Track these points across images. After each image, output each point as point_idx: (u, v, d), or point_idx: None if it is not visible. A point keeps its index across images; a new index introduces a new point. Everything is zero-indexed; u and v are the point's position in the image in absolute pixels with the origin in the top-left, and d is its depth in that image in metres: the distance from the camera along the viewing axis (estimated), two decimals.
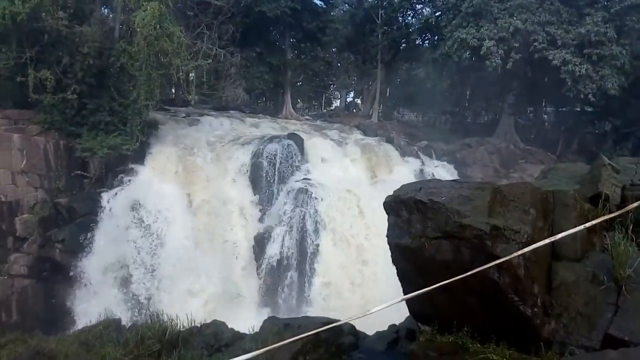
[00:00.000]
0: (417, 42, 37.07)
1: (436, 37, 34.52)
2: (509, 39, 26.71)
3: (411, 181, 6.79)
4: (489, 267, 4.76)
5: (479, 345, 5.30)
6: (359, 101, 49.63)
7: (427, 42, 37.44)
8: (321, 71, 39.96)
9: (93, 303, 18.77)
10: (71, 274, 19.40)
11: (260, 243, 20.73)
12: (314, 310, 18.43)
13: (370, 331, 8.39)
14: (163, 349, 7.55)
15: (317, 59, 36.76)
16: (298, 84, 41.26)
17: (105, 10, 23.38)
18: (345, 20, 38.84)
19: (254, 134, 25.37)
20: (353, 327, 7.64)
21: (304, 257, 20.49)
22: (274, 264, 20.49)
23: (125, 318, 16.07)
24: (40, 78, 18.74)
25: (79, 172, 20.50)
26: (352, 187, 21.94)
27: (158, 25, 19.04)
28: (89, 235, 19.41)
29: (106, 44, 20.23)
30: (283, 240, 20.65)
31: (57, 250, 19.81)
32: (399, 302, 4.62)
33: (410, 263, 5.75)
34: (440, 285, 4.48)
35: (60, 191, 20.36)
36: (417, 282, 5.52)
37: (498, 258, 4.82)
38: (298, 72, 37.02)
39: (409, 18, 38.05)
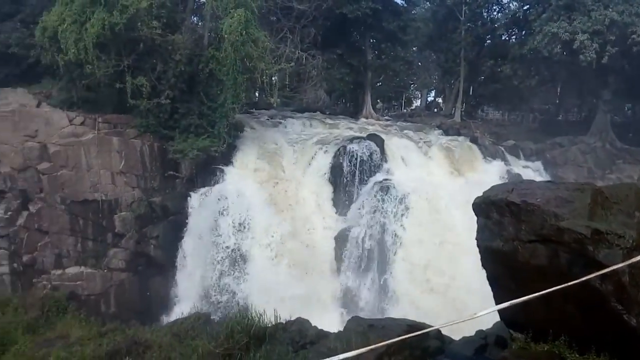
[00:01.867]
0: (503, 38, 35.70)
1: (524, 32, 33.05)
2: (604, 32, 25.06)
3: (496, 182, 6.58)
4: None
5: (577, 356, 5.03)
6: (440, 100, 48.51)
7: (514, 37, 35.96)
8: (401, 71, 39.44)
9: (184, 297, 19.82)
10: (164, 268, 20.59)
11: (340, 243, 20.86)
12: (394, 312, 18.29)
13: (455, 335, 8.20)
14: (251, 343, 7.82)
15: (398, 59, 36.32)
16: (378, 84, 41.04)
17: (195, 18, 24.55)
18: (427, 19, 38.12)
19: (334, 135, 25.57)
20: (439, 331, 7.50)
21: (384, 258, 20.38)
22: (354, 264, 20.56)
23: (213, 312, 16.81)
24: (137, 84, 19.99)
25: (171, 172, 21.68)
26: (434, 188, 21.53)
27: (244, 31, 19.72)
28: (180, 232, 20.49)
29: (196, 50, 21.24)
30: (363, 240, 20.66)
31: (151, 246, 21.11)
32: (492, 311, 4.47)
33: (502, 267, 5.56)
34: (540, 294, 4.27)
35: (155, 190, 21.64)
36: (508, 286, 5.33)
37: (600, 264, 4.55)
38: (378, 72, 36.80)
39: (495, 13, 36.72)
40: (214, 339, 8.23)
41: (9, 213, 19.83)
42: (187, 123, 21.43)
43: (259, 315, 8.86)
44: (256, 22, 21.08)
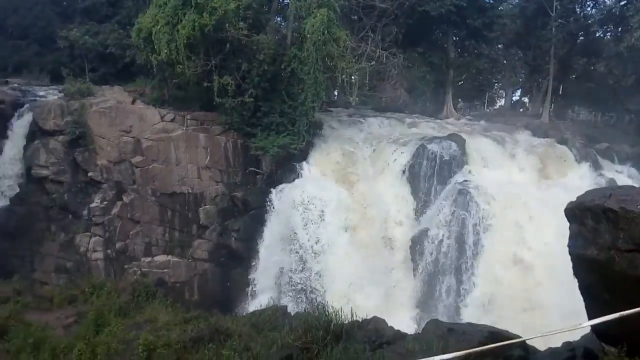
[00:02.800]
0: (597, 35, 33.55)
1: (620, 28, 30.90)
2: None
3: (588, 187, 6.22)
4: None
5: None
6: (526, 100, 46.41)
7: (609, 34, 33.70)
8: (485, 69, 38.13)
9: (262, 289, 20.39)
10: (244, 260, 21.31)
11: (417, 244, 20.58)
12: (470, 317, 17.77)
13: (539, 345, 7.87)
14: (329, 339, 7.93)
15: (482, 57, 35.17)
16: (460, 83, 39.95)
17: (279, 19, 25.13)
18: (514, 15, 36.56)
19: (413, 134, 25.21)
20: (523, 340, 7.22)
21: (462, 261, 19.86)
22: (431, 266, 20.20)
23: (290, 306, 17.15)
24: (223, 83, 20.81)
25: (252, 168, 22.38)
26: (519, 191, 20.64)
27: (326, 31, 19.95)
28: (260, 226, 21.10)
29: (279, 50, 21.75)
30: (441, 243, 20.24)
31: (232, 239, 21.92)
32: (592, 324, 4.24)
33: (596, 276, 5.27)
34: None
35: (237, 185, 22.46)
36: (602, 297, 5.05)
37: None
38: (461, 70, 35.84)
39: (588, 9, 34.59)
40: (292, 332, 8.44)
41: (105, 203, 21.34)
42: (269, 121, 22.00)
43: (335, 312, 8.96)
44: (338, 22, 21.25)
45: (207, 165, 22.32)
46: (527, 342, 7.54)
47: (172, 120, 22.19)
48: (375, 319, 9.37)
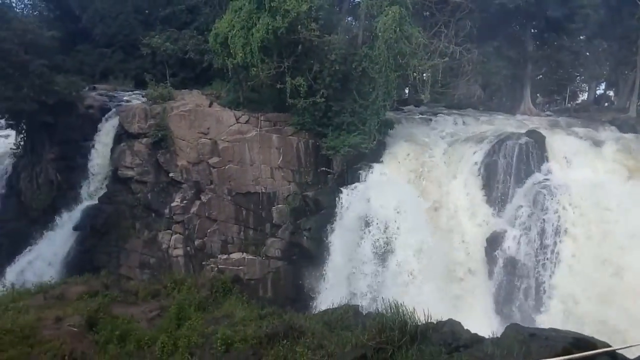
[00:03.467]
0: None
1: None
2: None
3: None
4: None
5: None
6: (611, 93, 43.59)
7: None
8: (566, 62, 36.12)
9: (333, 288, 20.51)
10: (315, 259, 21.54)
11: (492, 245, 19.93)
12: (550, 322, 16.97)
13: (630, 354, 7.39)
14: (403, 340, 7.86)
15: (562, 49, 33.31)
16: (538, 77, 38.16)
17: (350, 18, 25.19)
18: (598, 5, 34.42)
19: (488, 131, 24.39)
20: (613, 350, 6.82)
21: (541, 263, 19.04)
22: (508, 267, 19.51)
23: (361, 305, 17.11)
24: (295, 84, 21.18)
25: (324, 168, 22.63)
26: (604, 190, 19.43)
27: (398, 28, 19.78)
28: (331, 225, 21.24)
29: (350, 50, 21.81)
30: (519, 244, 19.49)
31: (304, 238, 22.22)
32: None
33: None
34: None
35: (308, 185, 22.79)
36: None
37: None
38: (539, 64, 34.18)
39: None
40: (366, 331, 8.43)
41: (184, 202, 22.32)
42: (340, 120, 22.12)
43: (409, 313, 8.85)
44: (410, 19, 20.99)
45: (279, 166, 22.79)
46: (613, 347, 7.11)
47: (246, 122, 22.86)
48: (450, 322, 9.15)
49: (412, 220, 20.67)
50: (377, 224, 20.70)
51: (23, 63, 21.20)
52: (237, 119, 22.86)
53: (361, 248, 20.47)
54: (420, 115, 27.86)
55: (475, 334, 8.60)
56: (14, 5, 33.38)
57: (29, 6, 32.98)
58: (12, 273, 20.55)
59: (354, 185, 21.82)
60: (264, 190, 22.77)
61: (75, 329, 11.27)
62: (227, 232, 22.61)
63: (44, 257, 21.73)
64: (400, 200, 20.92)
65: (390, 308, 8.92)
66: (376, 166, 22.20)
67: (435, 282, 19.65)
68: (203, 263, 22.27)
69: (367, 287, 19.79)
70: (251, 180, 22.65)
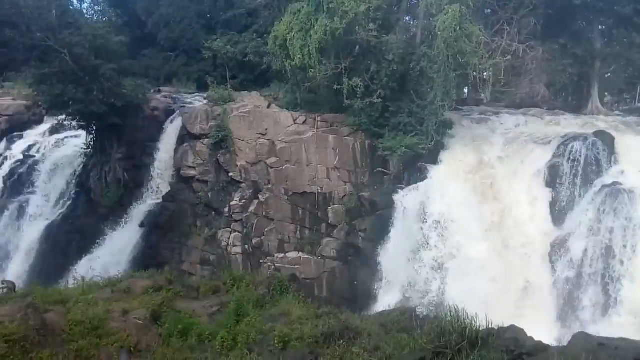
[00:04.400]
0: None
1: None
2: None
3: None
4: None
5: None
6: None
7: None
8: (637, 60, 34.19)
9: (388, 289, 20.39)
10: (371, 260, 21.46)
11: (557, 251, 19.20)
12: (618, 331, 16.09)
13: None
14: (463, 345, 7.72)
15: (633, 46, 31.56)
16: (607, 75, 36.30)
17: (408, 18, 24.94)
18: None
19: (553, 132, 23.43)
20: None
21: (609, 271, 18.12)
22: (573, 274, 18.70)
23: (418, 308, 16.90)
24: (352, 85, 21.18)
25: (380, 169, 22.50)
26: None
27: (458, 27, 19.39)
28: (387, 227, 21.09)
29: (408, 49, 21.60)
30: (585, 250, 18.64)
31: (360, 238, 22.20)
32: None
33: None
34: None
35: (364, 186, 22.73)
36: None
37: None
38: (608, 62, 32.46)
39: None
40: (425, 335, 8.34)
41: (243, 201, 22.85)
42: (397, 121, 21.94)
43: (470, 318, 8.68)
44: (471, 17, 20.51)
45: (336, 166, 22.87)
46: None
47: (303, 123, 23.11)
48: (513, 328, 8.90)
49: (471, 224, 20.23)
50: (435, 227, 20.40)
51: (94, 67, 22.34)
52: (294, 120, 23.15)
53: (419, 250, 20.23)
54: (481, 116, 27.11)
55: (540, 342, 8.33)
56: (85, 11, 35.26)
57: (99, 13, 34.76)
58: (82, 267, 21.69)
59: (411, 186, 21.56)
60: (320, 191, 22.90)
61: (140, 322, 11.76)
62: (283, 231, 22.93)
63: (112, 252, 22.85)
64: (459, 203, 20.51)
65: (450, 312, 8.78)
66: (434, 167, 21.82)
67: (495, 288, 19.13)
68: (260, 261, 22.67)
69: (424, 291, 19.52)
70: (307, 181, 22.85)
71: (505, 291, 19.14)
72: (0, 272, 23.21)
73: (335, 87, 21.89)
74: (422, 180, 21.67)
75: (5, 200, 25.40)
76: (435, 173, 21.71)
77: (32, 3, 21.26)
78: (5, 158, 26.45)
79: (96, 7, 37.60)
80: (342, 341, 10.92)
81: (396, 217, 21.16)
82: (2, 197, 25.45)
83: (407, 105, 21.84)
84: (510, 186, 20.98)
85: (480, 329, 8.68)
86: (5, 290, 13.38)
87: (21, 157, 26.69)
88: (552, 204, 20.15)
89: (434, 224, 20.37)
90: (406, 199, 21.15)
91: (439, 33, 19.84)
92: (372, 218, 22.12)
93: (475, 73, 21.12)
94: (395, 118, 21.96)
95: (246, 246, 22.77)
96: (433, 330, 8.29)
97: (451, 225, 20.24)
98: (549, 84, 28.95)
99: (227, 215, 22.94)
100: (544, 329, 17.66)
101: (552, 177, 20.38)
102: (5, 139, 28.29)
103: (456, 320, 8.36)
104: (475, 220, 20.33)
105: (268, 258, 22.61)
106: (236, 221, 22.90)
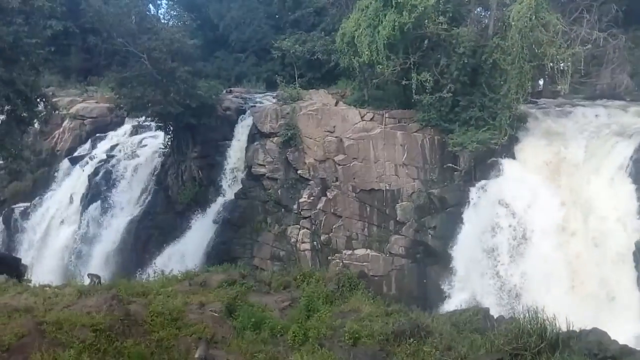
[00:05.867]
0: None
1: None
2: None
3: None
4: None
5: None
6: None
7: None
8: None
9: (460, 288, 19.96)
10: (441, 258, 21.08)
11: None
12: None
13: None
14: (543, 347, 7.43)
15: None
16: None
17: (479, 9, 24.21)
18: None
19: (638, 124, 21.95)
20: None
21: None
22: None
23: (491, 308, 16.42)
24: (421, 80, 20.90)
25: (450, 165, 22.03)
26: None
27: (533, 16, 18.64)
28: (457, 224, 20.64)
29: (480, 42, 21.00)
30: None
31: (429, 236, 21.86)
32: None
33: None
34: None
35: (434, 182, 22.34)
36: None
37: None
38: None
39: None
40: (501, 335, 8.10)
41: (312, 198, 23.14)
42: (468, 116, 21.39)
43: (549, 319, 8.34)
44: (547, 5, 19.65)
45: (404, 163, 22.64)
46: None
47: (371, 120, 23.05)
48: (595, 331, 8.48)
49: (548, 222, 19.40)
50: (508, 224, 19.75)
51: (170, 70, 23.37)
52: (362, 117, 23.13)
53: (491, 249, 19.66)
54: (558, 108, 25.85)
55: (625, 346, 7.89)
56: (162, 17, 36.92)
57: (175, 17, 36.22)
58: (161, 260, 22.82)
59: (483, 182, 20.96)
60: (388, 188, 22.76)
61: (216, 315, 12.17)
62: (351, 228, 23.00)
63: (188, 247, 23.87)
64: (535, 198, 19.73)
65: (528, 312, 8.47)
66: (508, 163, 21.06)
67: (573, 289, 18.28)
68: (329, 258, 22.87)
69: (497, 290, 18.96)
70: (375, 178, 22.77)
71: (584, 291, 18.24)
72: (86, 266, 24.82)
73: (403, 82, 21.66)
74: (495, 176, 21.01)
75: (91, 197, 27.10)
76: (510, 168, 20.97)
77: (113, 10, 22.45)
78: (90, 158, 28.16)
79: (172, 12, 39.24)
80: (412, 339, 10.79)
81: (467, 214, 20.67)
82: (87, 195, 27.16)
83: (478, 99, 21.26)
84: (591, 182, 19.88)
85: (561, 330, 8.33)
86: (93, 282, 14.28)
87: (104, 156, 28.36)
88: (637, 201, 18.91)
89: (508, 221, 19.73)
90: (478, 196, 20.61)
91: (513, 23, 19.15)
92: (442, 215, 21.72)
93: (552, 64, 20.27)
94: (466, 112, 21.40)
95: (315, 243, 23.04)
96: (510, 331, 8.04)
97: (526, 223, 19.52)
98: (632, 73, 27.12)
99: (296, 212, 23.32)
100: (626, 332, 16.71)
101: (638, 172, 19.11)
102: (90, 140, 30.21)
103: (534, 321, 8.06)
104: (553, 217, 19.46)
105: (336, 255, 22.76)
106: (305, 218, 23.23)
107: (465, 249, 20.39)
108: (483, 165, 21.55)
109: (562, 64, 21.16)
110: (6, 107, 16.69)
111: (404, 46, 21.26)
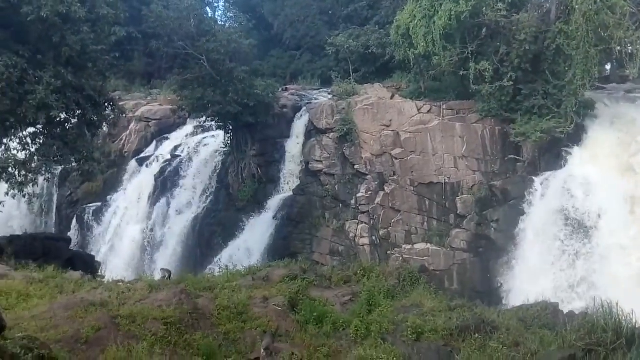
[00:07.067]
0: None
1: None
2: None
3: None
4: None
5: None
6: None
7: None
8: None
9: (527, 283, 19.32)
10: (505, 252, 20.51)
11: None
12: None
13: None
14: (618, 344, 7.11)
15: None
16: None
17: None
18: None
19: None
20: None
21: None
22: None
23: (560, 302, 15.83)
24: (480, 69, 20.38)
25: (512, 156, 21.41)
26: None
27: None
28: (521, 217, 20.02)
29: (542, 27, 20.25)
30: None
31: (492, 229, 21.31)
32: None
33: None
34: None
35: (495, 174, 21.78)
36: None
37: None
38: None
39: None
40: (574, 331, 7.81)
41: (369, 193, 23.10)
42: (530, 104, 20.73)
43: (624, 313, 7.96)
44: None
45: (463, 155, 22.19)
46: None
47: (428, 112, 22.77)
48: None
49: (619, 213, 18.50)
50: (576, 216, 18.99)
51: (229, 70, 23.95)
52: (418, 110, 22.86)
53: (558, 242, 18.97)
54: (627, 94, 24.51)
55: None
56: (219, 19, 37.93)
57: (232, 18, 37.11)
58: (224, 256, 23.50)
59: (548, 173, 20.24)
60: (447, 181, 22.39)
61: (279, 309, 12.40)
62: (410, 222, 22.78)
63: (249, 243, 24.42)
64: (605, 190, 18.85)
65: (602, 307, 8.12)
66: (574, 153, 20.22)
67: None
68: (388, 252, 22.77)
69: (566, 284, 18.27)
70: (434, 171, 22.44)
71: None
72: (154, 262, 25.91)
73: (460, 73, 21.30)
74: (560, 166, 20.25)
75: (157, 196, 28.22)
76: (576, 158, 20.15)
77: (173, 15, 23.25)
78: (156, 158, 29.27)
79: (228, 14, 40.24)
80: (478, 335, 10.58)
81: (532, 207, 20.07)
82: (154, 194, 28.28)
83: (541, 86, 20.53)
84: None
85: (637, 325, 7.93)
86: (164, 277, 14.90)
87: (169, 157, 29.40)
88: None
89: (575, 213, 18.97)
90: (543, 188, 19.93)
91: (577, 7, 18.36)
92: (505, 208, 21.14)
93: (619, 47, 19.34)
94: (529, 101, 20.72)
95: (373, 237, 23.00)
96: (583, 326, 7.73)
97: (595, 214, 18.70)
98: None
99: (354, 207, 23.36)
100: None
101: None
102: (155, 141, 31.42)
103: (609, 316, 7.72)
104: (623, 209, 18.54)
105: (396, 249, 22.62)
106: (363, 213, 23.23)
107: (530, 242, 19.76)
108: (548, 156, 20.86)
109: (630, 47, 20.08)
110: (77, 112, 17.64)
111: (461, 36, 20.84)
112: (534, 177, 20.44)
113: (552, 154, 20.66)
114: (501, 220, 21.11)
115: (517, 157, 21.42)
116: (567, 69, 19.75)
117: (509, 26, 20.24)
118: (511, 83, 20.47)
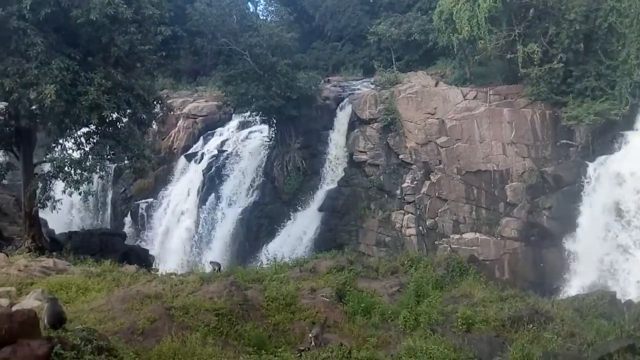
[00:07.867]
0: None
1: None
2: None
3: None
4: None
5: None
6: None
7: None
8: None
9: (581, 271, 18.71)
10: (558, 240, 19.85)
11: None
12: None
13: None
14: None
15: None
16: None
17: None
18: None
19: None
20: None
21: None
22: None
23: (618, 291, 15.22)
24: (528, 52, 19.79)
25: (564, 140, 20.67)
26: None
27: None
28: (576, 203, 19.32)
29: (592, 5, 19.44)
30: None
31: (544, 217, 20.67)
32: None
33: None
34: None
35: (546, 160, 21.10)
36: None
37: None
38: None
39: None
40: (632, 321, 7.51)
41: (415, 182, 22.86)
42: (582, 86, 20.00)
43: None
44: None
45: (512, 141, 21.60)
46: None
47: (474, 98, 22.28)
48: None
49: None
50: (633, 202, 18.13)
51: (271, 65, 24.14)
52: (464, 96, 22.39)
53: (616, 228, 18.19)
54: None
55: None
56: (260, 13, 38.24)
57: (273, 13, 37.31)
58: (272, 248, 23.81)
59: (603, 157, 19.41)
60: (495, 168, 21.86)
61: (327, 300, 12.49)
62: (458, 211, 22.39)
63: (295, 235, 24.66)
64: None
65: None
66: (631, 135, 19.29)
67: None
68: (435, 242, 22.49)
69: (624, 272, 17.52)
70: (481, 158, 21.96)
71: None
72: (204, 255, 26.50)
73: (507, 56, 20.78)
74: (616, 150, 19.38)
75: (205, 191, 28.85)
76: (633, 141, 19.19)
77: (216, 12, 23.65)
78: (203, 154, 29.93)
79: (270, 8, 40.46)
80: (531, 325, 10.36)
81: (587, 192, 19.37)
82: (203, 188, 28.93)
83: (593, 67, 19.77)
84: None
85: None
86: (214, 269, 15.25)
87: (216, 152, 29.98)
88: None
89: (633, 198, 18.11)
90: (598, 172, 19.16)
91: None
92: (558, 194, 20.46)
93: None
94: (581, 83, 19.99)
95: (420, 227, 22.76)
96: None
97: None
98: None
99: (399, 197, 23.18)
100: None
101: None
102: (202, 137, 32.07)
103: None
104: None
105: (443, 239, 22.32)
106: (409, 203, 23.02)
107: (585, 229, 19.05)
108: (602, 139, 19.98)
109: None
110: (128, 111, 18.23)
111: (507, 18, 20.30)
112: (587, 162, 19.63)
113: (607, 137, 19.79)
114: (554, 207, 20.45)
115: (570, 142, 20.68)
116: (620, 48, 19.04)
117: (558, 5, 19.58)
118: (561, 65, 19.81)
